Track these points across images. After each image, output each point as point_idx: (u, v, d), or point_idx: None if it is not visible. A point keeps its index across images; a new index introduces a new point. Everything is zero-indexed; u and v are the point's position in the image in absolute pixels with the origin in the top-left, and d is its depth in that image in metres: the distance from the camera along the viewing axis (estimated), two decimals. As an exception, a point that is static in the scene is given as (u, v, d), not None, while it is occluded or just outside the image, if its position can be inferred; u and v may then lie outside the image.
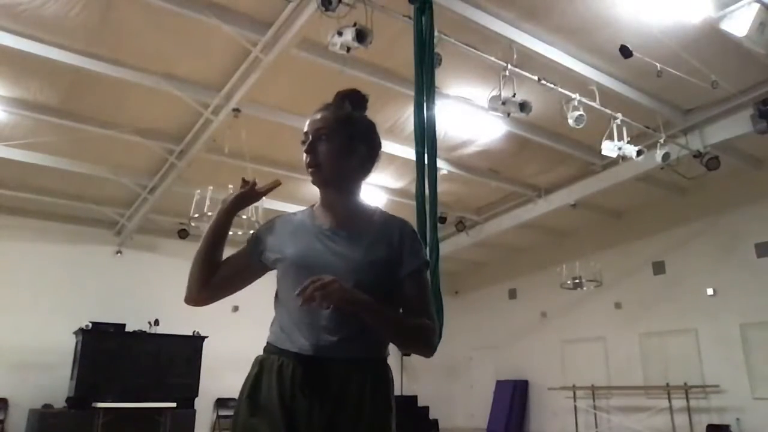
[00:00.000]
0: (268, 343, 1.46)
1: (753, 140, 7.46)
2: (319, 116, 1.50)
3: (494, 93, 5.98)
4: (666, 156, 7.20)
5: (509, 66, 5.90)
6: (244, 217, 6.65)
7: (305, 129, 1.51)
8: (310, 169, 1.49)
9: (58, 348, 9.27)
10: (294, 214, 1.58)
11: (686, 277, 9.92)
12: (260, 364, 1.42)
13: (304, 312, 1.38)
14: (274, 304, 1.51)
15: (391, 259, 1.45)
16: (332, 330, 1.37)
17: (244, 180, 1.58)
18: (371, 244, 1.46)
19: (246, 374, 1.44)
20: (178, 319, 9.70)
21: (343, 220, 1.50)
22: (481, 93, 6.57)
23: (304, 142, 1.49)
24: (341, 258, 1.42)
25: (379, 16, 4.98)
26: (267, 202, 7.13)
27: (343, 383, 1.35)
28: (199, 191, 6.77)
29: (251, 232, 1.60)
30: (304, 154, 1.49)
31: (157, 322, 9.73)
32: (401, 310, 1.46)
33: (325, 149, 1.47)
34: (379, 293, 1.43)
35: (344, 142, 1.48)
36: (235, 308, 10.33)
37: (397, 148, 7.88)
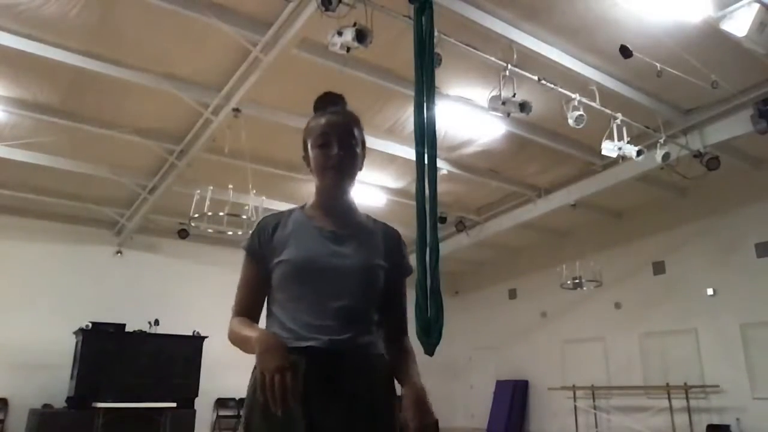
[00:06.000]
0: None
1: (753, 140, 7.46)
2: (340, 120, 1.52)
3: (494, 93, 5.98)
4: (666, 156, 7.20)
5: (509, 66, 5.90)
6: (244, 217, 6.64)
7: (325, 129, 1.50)
8: (332, 169, 1.48)
9: (58, 348, 9.26)
10: (281, 213, 1.56)
11: (686, 277, 9.92)
12: None
13: (310, 314, 1.39)
14: (269, 307, 1.48)
15: (387, 264, 1.52)
16: (339, 329, 1.38)
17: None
18: (373, 248, 1.51)
19: (249, 374, 1.36)
20: (178, 319, 9.69)
21: (342, 222, 1.52)
22: (481, 93, 6.57)
23: (324, 144, 1.49)
24: (346, 260, 1.45)
25: (379, 16, 4.98)
26: (267, 202, 7.13)
27: (356, 377, 1.37)
28: (199, 191, 6.77)
29: (248, 237, 1.56)
30: (327, 153, 1.48)
31: (157, 322, 9.72)
32: (380, 311, 1.51)
33: (350, 155, 1.51)
34: (378, 296, 1.48)
35: (362, 149, 1.56)
36: (235, 308, 10.34)
37: (397, 148, 7.89)
